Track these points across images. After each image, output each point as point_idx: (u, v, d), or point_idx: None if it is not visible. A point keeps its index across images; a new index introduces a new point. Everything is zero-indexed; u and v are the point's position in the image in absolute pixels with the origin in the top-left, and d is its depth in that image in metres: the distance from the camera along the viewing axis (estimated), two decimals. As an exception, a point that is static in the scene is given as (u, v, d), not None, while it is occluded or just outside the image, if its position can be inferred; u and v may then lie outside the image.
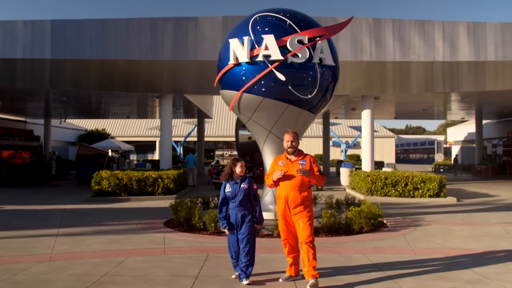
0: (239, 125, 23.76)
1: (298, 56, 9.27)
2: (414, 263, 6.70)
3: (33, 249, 7.61)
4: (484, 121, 35.33)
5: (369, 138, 19.72)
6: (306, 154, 5.85)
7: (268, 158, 10.20)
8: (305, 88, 9.48)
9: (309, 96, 9.56)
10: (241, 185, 5.75)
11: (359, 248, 7.68)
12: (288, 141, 5.78)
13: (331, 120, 38.17)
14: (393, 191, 15.95)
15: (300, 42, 9.33)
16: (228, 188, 5.82)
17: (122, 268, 6.32)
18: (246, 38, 9.45)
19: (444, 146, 55.32)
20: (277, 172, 5.72)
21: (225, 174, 5.90)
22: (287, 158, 5.80)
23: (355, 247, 7.79)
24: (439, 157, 43.16)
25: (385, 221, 10.40)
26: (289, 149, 5.77)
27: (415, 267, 6.45)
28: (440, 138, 59.37)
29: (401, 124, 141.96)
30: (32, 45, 18.04)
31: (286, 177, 5.64)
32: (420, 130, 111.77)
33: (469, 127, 40.41)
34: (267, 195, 10.38)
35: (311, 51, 9.40)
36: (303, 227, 5.54)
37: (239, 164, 5.86)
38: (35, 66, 18.17)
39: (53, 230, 9.45)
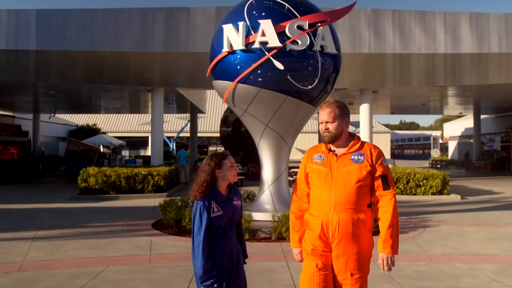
0: (221, 122, 23.36)
1: (297, 43, 8.47)
2: (433, 274, 5.94)
3: (3, 256, 6.80)
4: (481, 116, 34.73)
5: (368, 134, 18.96)
6: (364, 142, 3.20)
7: (265, 154, 9.46)
8: (305, 78, 8.70)
9: (309, 87, 8.78)
10: (234, 202, 3.31)
11: (367, 254, 6.91)
12: (322, 122, 3.23)
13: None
14: (395, 188, 15.26)
15: (300, 28, 8.54)
16: (216, 210, 3.15)
17: (100, 281, 5.54)
18: (241, 24, 8.64)
19: (440, 141, 54.78)
20: (295, 250, 3.29)
21: (201, 186, 3.19)
22: (330, 150, 3.20)
23: (362, 252, 7.04)
24: (435, 153, 42.57)
25: (390, 222, 9.66)
26: (324, 135, 3.19)
27: (435, 279, 5.72)
28: (436, 133, 58.76)
29: (395, 119, 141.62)
30: (16, 35, 17.11)
31: (327, 183, 3.09)
32: (414, 126, 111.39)
33: (466, 122, 39.80)
34: (264, 194, 9.60)
35: (312, 37, 8.62)
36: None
37: (225, 164, 3.24)
38: (20, 58, 17.27)
39: (30, 232, 8.64)
